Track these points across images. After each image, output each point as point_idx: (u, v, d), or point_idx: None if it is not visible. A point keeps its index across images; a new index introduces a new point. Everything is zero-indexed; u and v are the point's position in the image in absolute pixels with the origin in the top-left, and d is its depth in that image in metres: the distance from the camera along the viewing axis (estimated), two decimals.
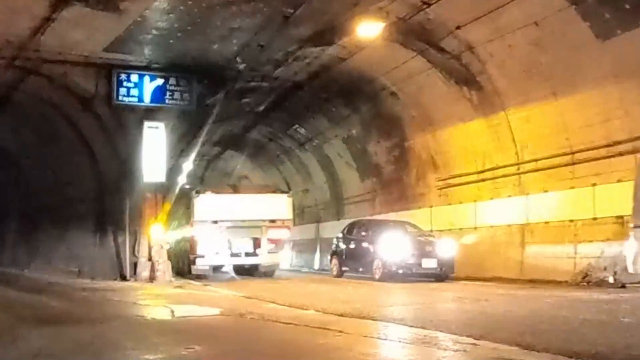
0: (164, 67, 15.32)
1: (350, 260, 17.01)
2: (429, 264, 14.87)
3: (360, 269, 16.31)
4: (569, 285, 12.45)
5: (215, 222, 16.28)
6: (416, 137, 17.85)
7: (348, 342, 5.37)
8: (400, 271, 14.89)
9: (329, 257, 18.67)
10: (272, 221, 16.68)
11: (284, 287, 13.96)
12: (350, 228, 18.02)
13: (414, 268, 14.91)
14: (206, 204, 16.35)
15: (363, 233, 16.93)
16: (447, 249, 15.09)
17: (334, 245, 18.16)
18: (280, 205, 17.17)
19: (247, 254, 16.79)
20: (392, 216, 19.64)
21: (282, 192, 18.33)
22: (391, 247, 15.09)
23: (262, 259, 16.87)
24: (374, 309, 8.07)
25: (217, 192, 16.95)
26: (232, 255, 16.67)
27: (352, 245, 17.12)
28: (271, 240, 16.94)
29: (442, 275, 14.94)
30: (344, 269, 17.20)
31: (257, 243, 16.79)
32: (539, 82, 13.28)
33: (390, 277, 14.78)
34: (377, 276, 15.10)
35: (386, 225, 16.78)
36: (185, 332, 6.13)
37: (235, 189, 18.07)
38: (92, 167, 17.58)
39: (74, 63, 14.47)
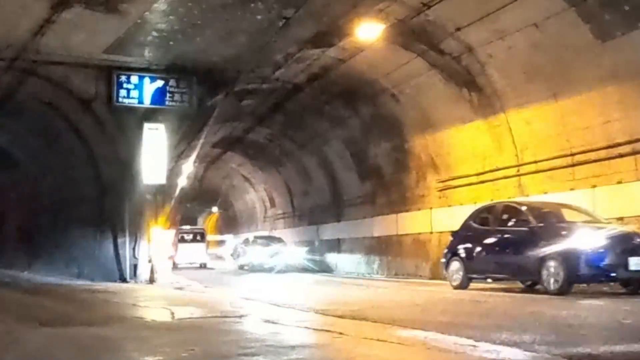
0: (164, 68, 15.33)
1: (486, 263, 12.08)
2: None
3: (508, 276, 11.97)
4: None
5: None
6: (416, 138, 17.85)
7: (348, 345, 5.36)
8: (594, 277, 10.26)
9: (443, 261, 13.24)
10: None
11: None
12: (483, 216, 12.96)
13: (618, 272, 10.01)
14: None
15: (512, 222, 11.81)
16: None
17: (450, 245, 13.23)
18: None
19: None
20: (392, 218, 19.61)
21: None
22: (579, 241, 10.14)
23: None
24: None
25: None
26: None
27: (489, 241, 12.18)
28: None
29: None
30: (471, 275, 12.30)
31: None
32: (538, 84, 13.28)
33: (573, 286, 10.28)
34: (552, 286, 10.12)
35: (550, 210, 11.78)
36: (185, 334, 6.12)
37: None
38: (92, 168, 17.56)
39: (74, 65, 14.49)
